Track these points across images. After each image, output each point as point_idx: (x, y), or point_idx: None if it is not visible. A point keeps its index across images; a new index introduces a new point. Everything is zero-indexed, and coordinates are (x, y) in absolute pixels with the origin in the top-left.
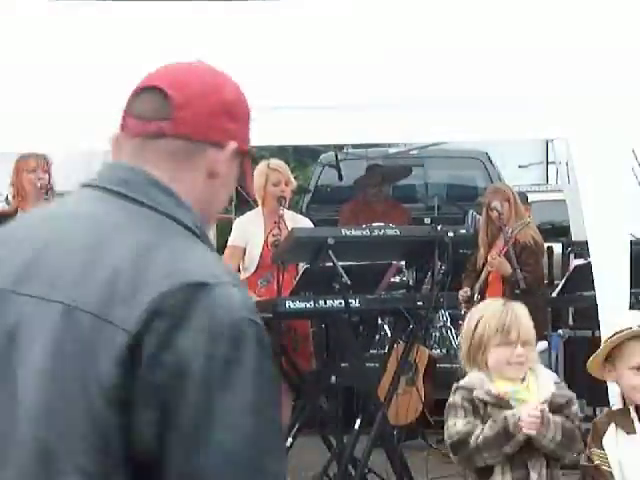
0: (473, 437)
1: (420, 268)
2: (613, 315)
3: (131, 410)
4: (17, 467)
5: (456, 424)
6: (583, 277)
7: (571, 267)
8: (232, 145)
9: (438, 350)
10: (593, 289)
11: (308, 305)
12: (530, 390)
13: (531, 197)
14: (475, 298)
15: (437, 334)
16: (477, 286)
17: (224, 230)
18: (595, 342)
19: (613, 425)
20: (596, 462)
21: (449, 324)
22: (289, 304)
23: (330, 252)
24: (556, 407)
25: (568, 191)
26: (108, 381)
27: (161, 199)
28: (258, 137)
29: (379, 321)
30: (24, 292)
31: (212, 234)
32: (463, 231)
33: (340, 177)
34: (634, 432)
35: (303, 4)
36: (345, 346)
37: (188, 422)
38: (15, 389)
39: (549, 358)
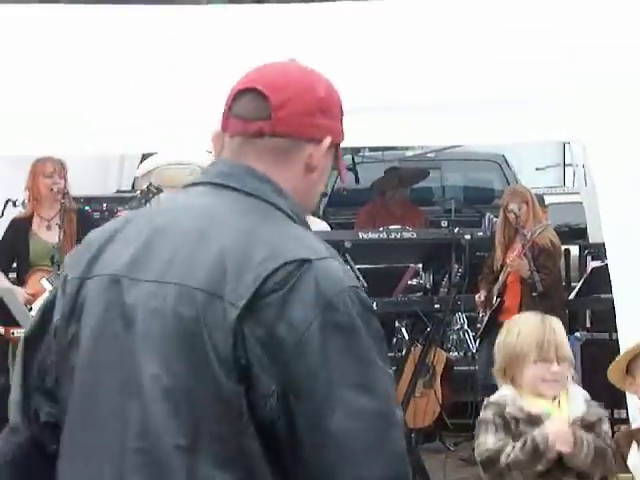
0: (503, 455)
1: (437, 271)
2: (630, 317)
3: (250, 380)
4: (146, 443)
5: (487, 441)
6: (600, 279)
7: (588, 269)
8: (327, 140)
9: (455, 353)
10: (610, 291)
11: None
12: (562, 409)
13: (548, 199)
14: (494, 301)
15: (454, 337)
16: (495, 289)
17: None
18: (612, 345)
19: (635, 445)
20: None
21: (466, 327)
22: None
23: (347, 255)
24: (587, 425)
25: (585, 193)
26: (224, 353)
27: (258, 186)
28: None
29: (396, 324)
30: (139, 277)
31: None
32: (480, 234)
33: (357, 180)
34: None
35: (314, 8)
36: None
37: (311, 389)
38: (136, 370)
39: None
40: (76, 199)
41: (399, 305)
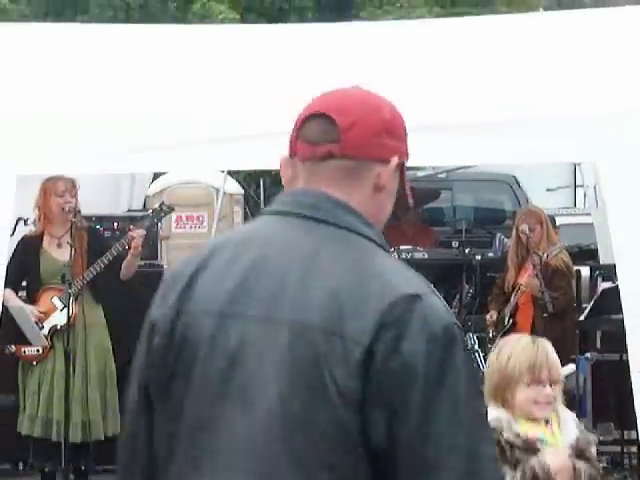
0: None
1: (448, 291)
2: None
3: (365, 410)
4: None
5: None
6: (611, 300)
7: (599, 290)
8: (395, 159)
9: None
10: (621, 312)
11: None
12: (555, 434)
13: (559, 220)
14: (506, 322)
15: None
16: (507, 309)
17: None
18: (622, 365)
19: None
20: None
21: (477, 347)
22: None
23: None
24: (580, 451)
25: (596, 214)
26: (346, 388)
27: (348, 219)
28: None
29: None
30: (243, 313)
31: None
32: (491, 254)
33: None
34: None
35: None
36: None
37: (414, 418)
38: (244, 408)
39: (577, 381)
40: (87, 218)
41: None
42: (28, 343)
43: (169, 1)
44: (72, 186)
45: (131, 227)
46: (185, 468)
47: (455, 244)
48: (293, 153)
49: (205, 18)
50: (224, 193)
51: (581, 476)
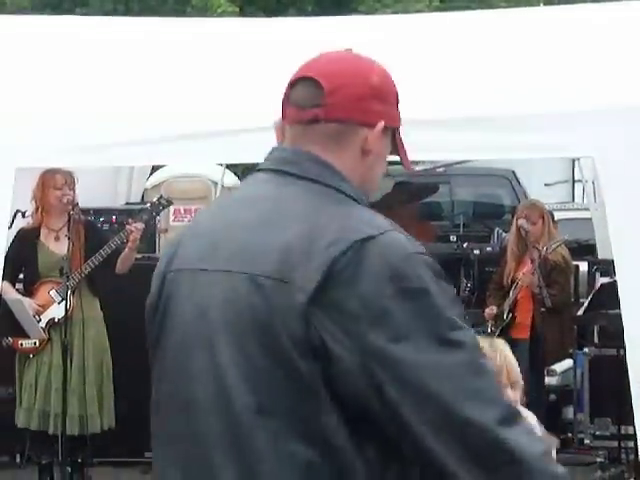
0: None
1: None
2: (638, 334)
3: (327, 358)
4: (229, 423)
5: None
6: (609, 295)
7: (597, 285)
8: (381, 124)
9: None
10: (619, 307)
11: None
12: None
13: (557, 215)
14: (505, 317)
15: None
16: (506, 304)
17: None
18: (620, 361)
19: None
20: None
21: None
22: None
23: None
24: None
25: (594, 209)
26: (297, 335)
27: (320, 172)
28: None
29: None
30: (209, 268)
31: None
32: (489, 249)
33: None
34: None
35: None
36: None
37: (396, 358)
38: (214, 357)
39: (574, 376)
40: (85, 211)
41: None
42: (25, 336)
43: None
44: (71, 179)
45: (129, 220)
46: (164, 418)
47: (453, 238)
48: (283, 117)
49: (204, 11)
50: (222, 186)
51: None
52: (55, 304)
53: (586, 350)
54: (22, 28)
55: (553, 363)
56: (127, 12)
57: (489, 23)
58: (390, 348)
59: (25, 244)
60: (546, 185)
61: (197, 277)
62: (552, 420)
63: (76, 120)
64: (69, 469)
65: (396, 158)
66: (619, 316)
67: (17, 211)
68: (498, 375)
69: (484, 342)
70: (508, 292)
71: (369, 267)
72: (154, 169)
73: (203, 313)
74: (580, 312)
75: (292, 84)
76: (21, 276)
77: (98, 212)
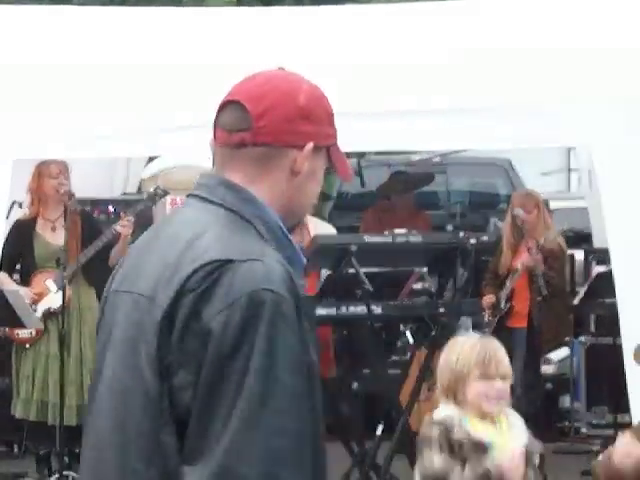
0: (453, 478)
1: (442, 275)
2: (634, 322)
3: (171, 376)
4: (99, 432)
5: (433, 460)
6: (605, 284)
7: (593, 274)
8: (310, 145)
9: None
10: (614, 296)
11: (330, 311)
12: (503, 435)
13: (553, 204)
14: (502, 306)
15: None
16: (503, 294)
17: None
18: (616, 349)
19: None
20: None
21: (471, 331)
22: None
23: (353, 259)
24: (527, 457)
25: (590, 198)
26: (151, 351)
27: (229, 197)
28: None
29: (401, 327)
30: (122, 289)
31: None
32: (485, 238)
33: (362, 184)
34: None
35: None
36: (367, 352)
37: (205, 383)
38: (101, 367)
39: (571, 365)
40: (82, 201)
41: (404, 309)
42: (21, 325)
43: None
44: (65, 168)
45: (125, 212)
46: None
47: (449, 228)
48: (214, 138)
49: (201, 1)
50: None
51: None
52: (51, 294)
53: (583, 339)
54: (20, 18)
55: (550, 352)
56: (123, 2)
57: (485, 12)
58: (207, 369)
59: (22, 235)
60: (542, 174)
61: (114, 300)
62: (548, 409)
63: (74, 112)
64: (67, 459)
65: (393, 148)
66: (615, 305)
67: (14, 202)
68: (487, 366)
69: (474, 338)
70: (504, 281)
71: (217, 290)
72: (151, 159)
73: (110, 332)
74: (576, 301)
75: (221, 107)
76: (18, 267)
77: (95, 202)
